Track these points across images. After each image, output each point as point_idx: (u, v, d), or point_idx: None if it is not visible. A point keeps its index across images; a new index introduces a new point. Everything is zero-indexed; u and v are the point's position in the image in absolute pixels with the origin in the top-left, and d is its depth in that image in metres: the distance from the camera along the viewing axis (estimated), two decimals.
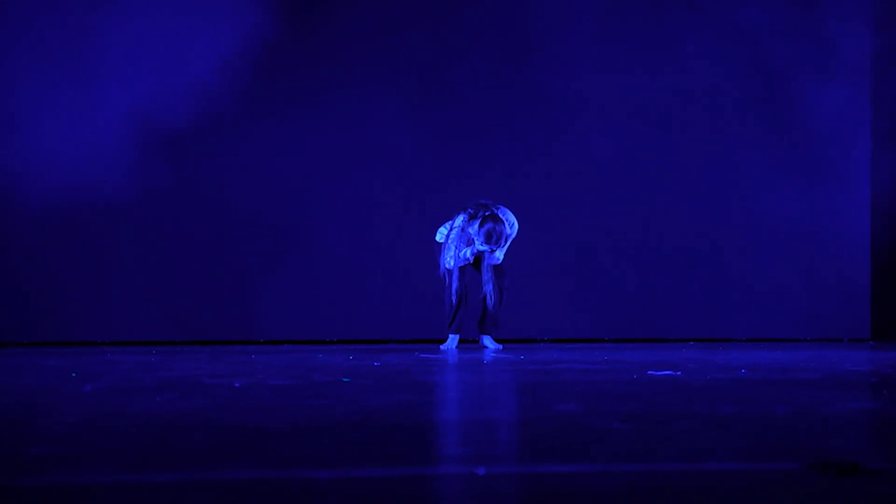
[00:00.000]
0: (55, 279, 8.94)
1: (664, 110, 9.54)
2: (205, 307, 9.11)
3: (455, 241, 7.98)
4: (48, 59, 8.77)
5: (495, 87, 9.42)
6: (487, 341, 8.15)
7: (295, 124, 9.17)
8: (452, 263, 7.98)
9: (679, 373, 5.54)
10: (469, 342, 8.56)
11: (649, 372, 5.62)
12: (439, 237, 8.11)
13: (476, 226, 7.90)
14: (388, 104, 9.25)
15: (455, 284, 8.01)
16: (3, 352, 7.86)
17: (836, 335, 9.71)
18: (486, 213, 7.90)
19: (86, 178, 8.77)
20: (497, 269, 8.09)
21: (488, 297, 8.04)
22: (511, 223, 8.01)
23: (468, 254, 8.01)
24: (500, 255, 8.05)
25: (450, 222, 8.05)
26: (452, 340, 8.10)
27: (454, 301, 8.02)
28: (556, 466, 2.54)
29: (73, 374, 5.40)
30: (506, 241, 7.98)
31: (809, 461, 2.52)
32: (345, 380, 5.06)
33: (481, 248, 7.92)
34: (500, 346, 8.18)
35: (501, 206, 8.07)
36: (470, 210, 7.98)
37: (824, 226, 9.66)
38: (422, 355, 7.31)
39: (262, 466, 2.59)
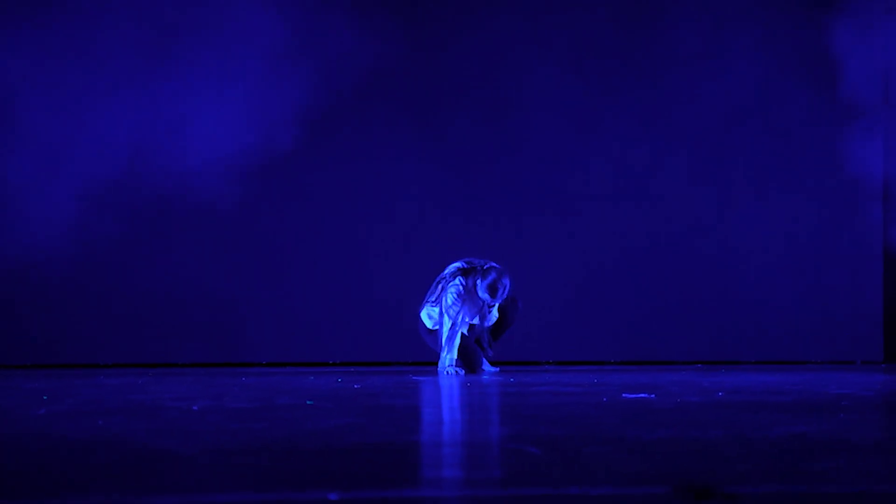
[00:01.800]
0: (54, 301, 8.97)
1: (669, 133, 9.45)
2: (210, 331, 9.11)
3: (459, 308, 7.76)
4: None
5: (491, 118, 9.37)
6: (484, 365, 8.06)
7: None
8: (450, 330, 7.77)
9: (653, 396, 5.47)
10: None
11: (624, 395, 5.56)
12: (427, 320, 7.90)
13: (478, 281, 7.70)
14: (382, 134, 9.23)
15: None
16: None
17: (848, 358, 9.57)
18: (486, 266, 7.73)
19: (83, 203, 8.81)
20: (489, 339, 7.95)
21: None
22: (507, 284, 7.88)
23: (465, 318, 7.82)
24: (495, 312, 7.89)
25: (435, 300, 7.84)
26: (450, 359, 7.87)
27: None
28: (417, 491, 2.50)
29: (45, 398, 5.41)
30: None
31: (685, 485, 2.47)
32: (308, 402, 5.03)
33: (485, 301, 7.70)
34: (497, 369, 8.10)
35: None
36: (461, 269, 7.77)
37: (835, 247, 9.54)
38: (413, 377, 7.28)
39: (123, 491, 2.57)
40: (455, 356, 7.72)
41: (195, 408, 4.71)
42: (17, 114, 8.72)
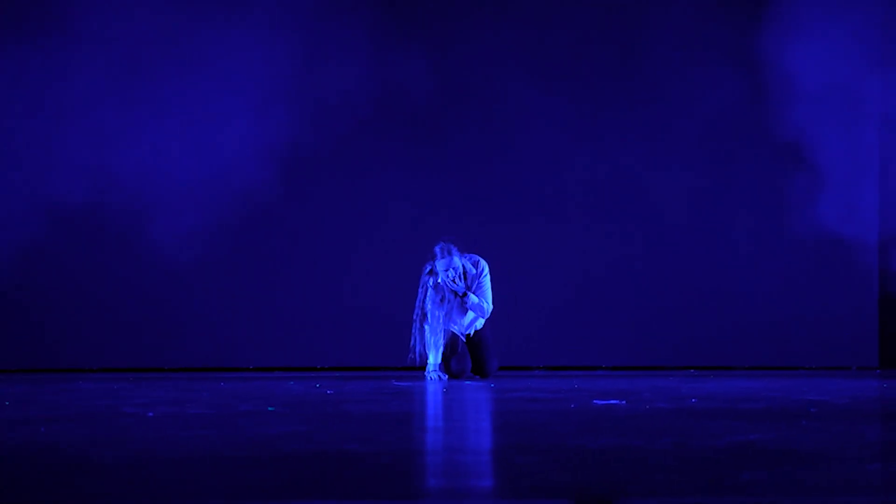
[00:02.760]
0: (47, 306, 8.96)
1: (665, 139, 9.37)
2: (200, 336, 9.08)
3: (423, 298, 7.77)
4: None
5: (484, 125, 9.31)
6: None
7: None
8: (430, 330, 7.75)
9: (624, 402, 5.40)
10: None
11: (595, 401, 5.49)
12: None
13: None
14: (376, 142, 9.19)
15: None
16: None
17: (844, 363, 9.46)
18: (437, 248, 7.75)
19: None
20: (485, 350, 7.86)
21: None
22: (476, 260, 7.83)
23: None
24: (474, 299, 7.78)
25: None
26: (434, 363, 7.85)
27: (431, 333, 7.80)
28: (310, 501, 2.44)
29: (7, 403, 5.37)
30: (475, 280, 7.77)
31: (586, 498, 2.39)
32: (269, 409, 4.98)
33: (444, 277, 7.68)
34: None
35: (455, 249, 7.82)
36: (426, 267, 7.83)
37: (830, 251, 9.42)
38: (394, 382, 7.22)
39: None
40: (438, 360, 7.68)
41: (150, 414, 4.66)
42: None
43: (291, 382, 7.19)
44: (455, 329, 7.85)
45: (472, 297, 7.71)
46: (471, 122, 9.33)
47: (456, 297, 7.73)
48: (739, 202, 9.43)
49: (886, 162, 9.41)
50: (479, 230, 9.09)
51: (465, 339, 7.86)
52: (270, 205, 9.12)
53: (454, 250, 7.72)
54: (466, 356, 7.83)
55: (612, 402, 5.43)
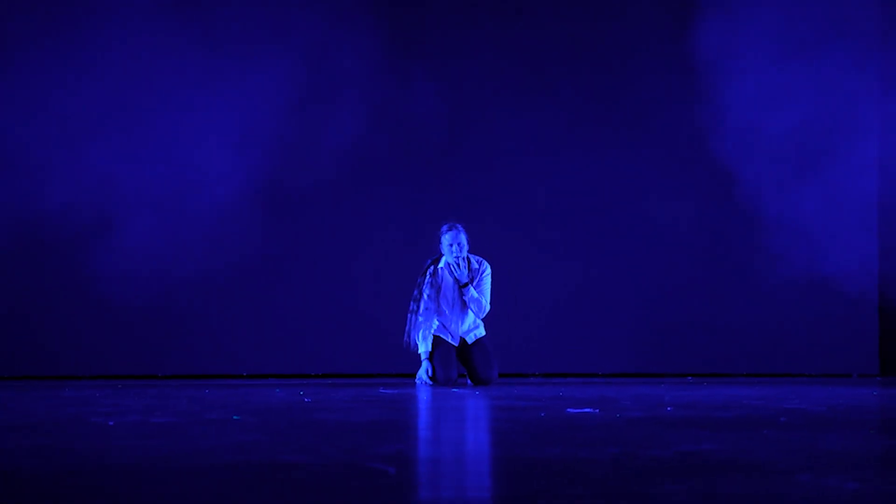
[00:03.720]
0: (48, 314, 8.99)
1: (664, 143, 9.31)
2: (196, 343, 9.08)
3: (428, 289, 7.80)
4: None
5: (490, 126, 9.29)
6: None
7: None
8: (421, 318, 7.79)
9: (597, 410, 5.35)
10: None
11: (568, 409, 5.44)
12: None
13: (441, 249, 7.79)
14: (369, 152, 9.17)
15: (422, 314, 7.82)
16: None
17: (844, 370, 9.37)
18: (445, 225, 7.79)
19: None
20: (485, 358, 7.83)
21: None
22: (480, 260, 7.85)
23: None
24: (474, 293, 7.77)
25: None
26: (424, 353, 7.86)
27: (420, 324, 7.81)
28: None
29: None
30: (477, 275, 7.78)
31: None
32: (235, 417, 4.95)
33: (450, 258, 7.72)
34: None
35: (462, 230, 7.86)
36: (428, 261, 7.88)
37: (831, 257, 9.34)
38: (382, 390, 7.19)
39: None
40: (428, 348, 7.75)
41: (111, 423, 4.64)
42: None
43: (278, 390, 7.17)
44: (449, 338, 7.83)
45: (473, 291, 7.71)
46: (467, 132, 9.30)
47: (458, 285, 7.73)
48: (740, 208, 9.35)
49: (886, 168, 9.32)
50: (477, 238, 9.06)
51: (458, 346, 7.84)
52: (270, 214, 9.12)
53: (461, 228, 7.75)
54: (454, 364, 7.80)
55: (587, 410, 5.38)
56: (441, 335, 7.83)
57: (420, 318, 7.75)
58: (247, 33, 8.93)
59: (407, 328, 7.83)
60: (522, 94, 9.31)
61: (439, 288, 7.80)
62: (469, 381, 7.94)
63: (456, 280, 7.75)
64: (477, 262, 7.84)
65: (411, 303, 7.83)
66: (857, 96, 9.28)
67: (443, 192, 9.26)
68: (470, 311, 7.79)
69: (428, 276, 7.80)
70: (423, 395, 6.71)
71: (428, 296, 7.76)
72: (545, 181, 9.32)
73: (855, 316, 9.39)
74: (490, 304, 7.86)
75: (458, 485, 2.89)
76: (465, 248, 7.74)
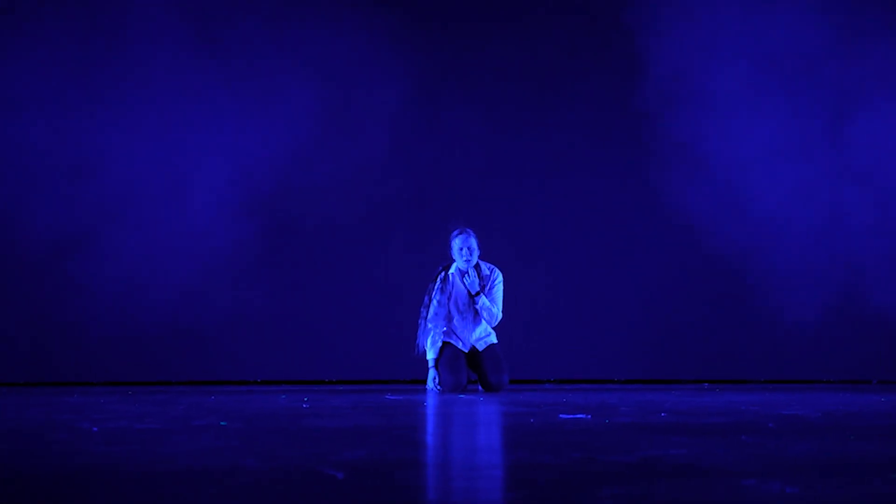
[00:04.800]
0: (59, 320, 9.06)
1: (680, 146, 9.25)
2: (210, 350, 9.12)
3: (431, 297, 7.79)
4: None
5: (497, 127, 9.27)
6: None
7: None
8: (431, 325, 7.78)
9: (589, 416, 5.32)
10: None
11: (561, 415, 5.41)
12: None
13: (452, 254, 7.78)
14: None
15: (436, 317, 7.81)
16: None
17: (864, 376, 9.27)
18: (456, 230, 7.76)
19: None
20: (495, 364, 7.81)
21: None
22: (492, 267, 7.83)
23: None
24: (485, 302, 7.74)
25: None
26: (431, 360, 7.86)
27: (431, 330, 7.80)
28: None
29: None
30: (488, 282, 7.75)
31: None
32: (222, 423, 4.96)
33: (461, 263, 7.70)
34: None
35: (473, 234, 7.84)
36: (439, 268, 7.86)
37: (850, 263, 9.24)
38: (388, 396, 7.19)
39: None
40: (435, 355, 7.77)
41: (95, 429, 4.66)
42: None
43: (283, 396, 7.18)
44: (460, 345, 7.81)
45: (484, 300, 7.68)
46: (474, 129, 9.30)
47: (469, 297, 7.70)
48: (760, 215, 9.27)
49: None
50: (489, 244, 9.04)
51: (468, 352, 7.82)
52: (279, 220, 9.15)
53: (472, 232, 7.73)
54: (463, 369, 7.78)
55: (579, 416, 5.35)
56: (451, 341, 7.81)
57: (429, 325, 7.74)
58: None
59: (418, 334, 7.84)
60: (536, 108, 9.29)
61: (450, 294, 7.79)
62: (480, 388, 7.92)
63: (467, 289, 7.73)
64: (489, 269, 7.81)
65: (421, 309, 7.83)
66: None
67: (452, 196, 9.25)
68: (482, 319, 7.76)
69: (438, 283, 7.79)
70: (426, 402, 6.69)
71: (438, 302, 7.75)
72: (556, 187, 9.28)
73: (875, 322, 9.28)
74: (502, 312, 7.84)
75: (398, 489, 2.88)
76: (476, 252, 7.73)
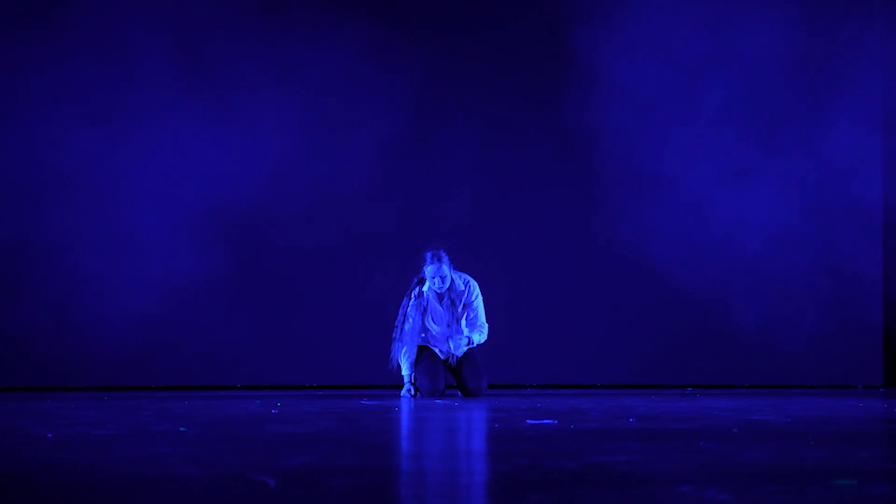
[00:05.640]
0: (54, 327, 9.01)
1: (663, 154, 9.18)
2: (193, 353, 9.05)
3: (403, 313, 7.73)
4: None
5: (483, 135, 9.23)
6: None
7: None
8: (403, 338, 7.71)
9: (556, 422, 5.27)
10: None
11: (528, 420, 5.36)
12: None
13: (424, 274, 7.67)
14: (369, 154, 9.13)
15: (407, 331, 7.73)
16: None
17: (848, 382, 9.20)
18: (429, 254, 7.66)
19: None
20: (473, 369, 7.75)
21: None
22: (466, 280, 7.74)
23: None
24: (476, 338, 7.68)
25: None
26: (406, 376, 7.79)
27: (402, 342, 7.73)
28: None
29: None
30: (462, 297, 7.67)
31: None
32: (181, 429, 4.92)
33: (435, 288, 7.62)
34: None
35: (446, 258, 7.72)
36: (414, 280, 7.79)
37: (835, 268, 9.17)
38: (363, 402, 7.14)
39: None
40: (410, 371, 7.68)
41: (49, 435, 4.61)
42: None
43: (258, 401, 7.13)
44: (438, 350, 7.76)
45: (473, 338, 7.63)
46: (464, 137, 9.25)
47: (448, 312, 7.64)
48: (743, 220, 9.20)
49: (889, 176, 9.16)
50: (470, 248, 9.00)
51: (445, 359, 7.76)
52: (263, 225, 9.09)
53: (444, 257, 7.63)
54: (441, 375, 7.72)
55: (546, 421, 5.30)
56: (429, 345, 7.76)
57: (403, 341, 7.67)
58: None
59: (392, 351, 7.76)
60: (510, 119, 9.24)
61: (425, 309, 7.71)
62: (459, 393, 7.86)
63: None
64: (463, 282, 7.70)
65: (396, 323, 7.75)
66: (862, 101, 9.13)
67: (433, 208, 9.18)
68: (458, 332, 7.69)
69: (413, 298, 7.70)
70: (398, 407, 6.64)
71: (411, 318, 7.68)
72: (537, 196, 9.22)
73: (860, 327, 9.22)
74: (486, 321, 7.77)
75: (322, 497, 2.83)
76: (448, 277, 7.63)
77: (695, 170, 9.10)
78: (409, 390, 7.68)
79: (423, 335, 7.76)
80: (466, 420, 5.53)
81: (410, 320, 7.67)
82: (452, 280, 7.66)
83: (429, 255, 7.63)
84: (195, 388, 8.94)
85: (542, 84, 9.19)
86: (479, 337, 7.71)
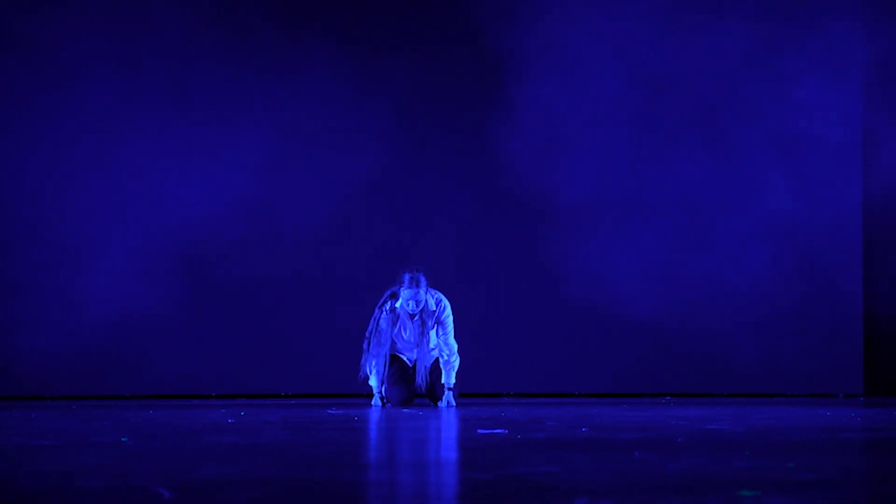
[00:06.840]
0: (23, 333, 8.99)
1: (638, 158, 9.14)
2: (170, 362, 9.02)
3: (373, 327, 7.68)
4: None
5: (465, 148, 9.19)
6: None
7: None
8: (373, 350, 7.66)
9: (506, 431, 5.22)
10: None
11: (479, 430, 5.32)
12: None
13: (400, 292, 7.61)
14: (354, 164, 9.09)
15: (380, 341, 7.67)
16: None
17: (830, 390, 9.13)
18: (407, 276, 7.59)
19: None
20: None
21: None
22: (439, 299, 7.69)
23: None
24: (439, 341, 7.64)
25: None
26: (375, 387, 7.76)
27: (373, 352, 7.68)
28: None
29: None
30: (434, 316, 7.62)
31: None
32: (123, 439, 4.88)
33: (408, 309, 7.55)
34: (445, 404, 7.81)
35: (424, 282, 7.65)
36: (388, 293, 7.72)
37: (816, 278, 9.11)
38: (329, 411, 7.09)
39: None
40: (379, 382, 7.64)
41: None
42: None
43: (223, 410, 7.09)
44: (406, 357, 7.73)
45: (451, 375, 7.61)
46: (443, 151, 9.21)
47: (417, 327, 7.60)
48: (721, 225, 9.13)
49: (869, 183, 9.10)
50: (448, 252, 8.97)
51: (412, 366, 7.72)
52: (240, 237, 9.07)
53: (423, 282, 7.58)
54: (410, 384, 7.67)
55: (496, 431, 5.25)
56: (398, 354, 7.72)
57: (371, 353, 7.63)
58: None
59: (362, 362, 7.72)
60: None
61: (395, 323, 7.66)
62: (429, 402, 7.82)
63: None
64: (436, 301, 7.65)
65: (366, 334, 7.71)
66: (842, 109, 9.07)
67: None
68: (426, 345, 7.66)
69: (385, 312, 7.65)
70: (358, 417, 6.59)
71: (382, 331, 7.63)
72: (521, 197, 9.17)
73: (841, 336, 9.14)
74: (455, 338, 7.73)
75: None
76: (423, 301, 7.58)
77: (665, 181, 9.05)
78: (379, 400, 7.65)
79: (393, 345, 7.71)
80: (416, 430, 5.48)
81: (380, 333, 7.63)
82: (426, 301, 7.62)
83: (407, 277, 7.57)
84: (177, 396, 8.90)
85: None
86: (455, 361, 7.67)
